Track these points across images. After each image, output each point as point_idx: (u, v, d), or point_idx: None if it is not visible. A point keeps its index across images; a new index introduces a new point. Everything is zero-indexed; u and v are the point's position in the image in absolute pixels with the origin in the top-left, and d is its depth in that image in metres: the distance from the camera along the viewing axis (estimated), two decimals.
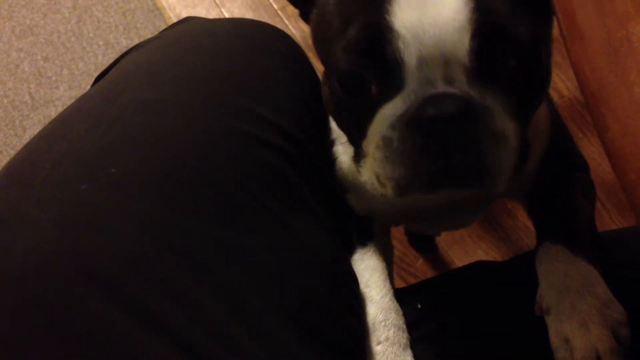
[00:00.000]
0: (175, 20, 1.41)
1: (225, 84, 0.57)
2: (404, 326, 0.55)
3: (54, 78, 1.46)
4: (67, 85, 1.46)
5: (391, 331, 0.54)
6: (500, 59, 0.42)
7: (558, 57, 1.46)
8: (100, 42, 1.51)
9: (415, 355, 0.54)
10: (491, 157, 0.42)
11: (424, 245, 1.22)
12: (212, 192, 0.50)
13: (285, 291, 0.49)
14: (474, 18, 0.40)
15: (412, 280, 1.20)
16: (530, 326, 0.50)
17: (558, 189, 0.58)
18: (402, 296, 0.60)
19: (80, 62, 1.48)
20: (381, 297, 0.56)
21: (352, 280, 0.58)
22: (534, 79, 0.45)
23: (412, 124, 0.41)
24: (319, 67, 0.65)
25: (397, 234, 1.22)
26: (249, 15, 1.53)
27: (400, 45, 0.41)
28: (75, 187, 0.47)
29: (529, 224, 1.19)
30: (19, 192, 0.48)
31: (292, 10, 1.57)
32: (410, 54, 0.41)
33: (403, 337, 0.54)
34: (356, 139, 0.49)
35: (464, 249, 1.22)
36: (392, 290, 0.58)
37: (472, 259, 1.19)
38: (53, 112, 1.42)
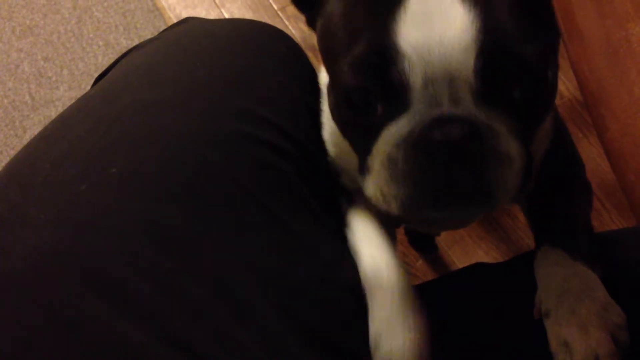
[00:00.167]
0: (175, 20, 1.41)
1: (225, 85, 0.57)
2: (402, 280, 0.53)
3: (54, 78, 1.46)
4: (67, 86, 1.46)
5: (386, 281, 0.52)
6: (507, 79, 0.41)
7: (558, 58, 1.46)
8: (101, 43, 1.51)
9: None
10: (495, 178, 0.42)
11: (424, 245, 1.22)
12: (212, 192, 0.50)
13: (285, 292, 0.49)
14: (480, 38, 0.39)
15: (413, 281, 1.19)
16: (528, 329, 0.50)
17: (557, 191, 0.58)
18: None
19: (80, 63, 1.48)
20: (372, 251, 0.55)
21: (354, 280, 0.58)
22: (540, 99, 0.44)
23: (417, 145, 0.41)
24: (319, 68, 0.65)
25: (397, 234, 1.22)
26: (248, 15, 1.53)
27: (406, 65, 0.40)
28: (75, 188, 0.47)
29: None
30: (19, 192, 0.48)
31: (292, 10, 1.57)
32: (416, 74, 0.41)
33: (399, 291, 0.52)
34: (361, 152, 0.49)
35: (464, 249, 1.22)
36: (389, 246, 0.57)
37: (473, 259, 1.19)
38: (53, 113, 1.42)
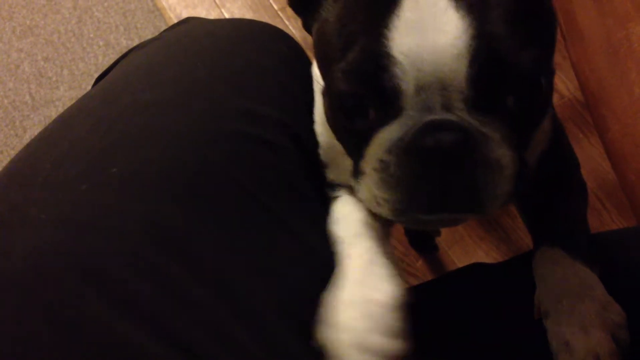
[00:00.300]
0: (175, 20, 1.41)
1: (225, 85, 0.57)
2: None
3: (54, 78, 1.46)
4: (67, 86, 1.46)
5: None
6: (500, 87, 0.41)
7: (558, 58, 1.46)
8: (101, 43, 1.51)
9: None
10: (485, 185, 0.42)
11: (424, 245, 1.22)
12: (213, 192, 0.50)
13: (285, 292, 0.49)
14: (473, 45, 0.39)
15: (413, 280, 1.20)
16: (527, 329, 0.50)
17: (553, 191, 0.58)
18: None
19: (80, 63, 1.48)
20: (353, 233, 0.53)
21: None
22: (535, 106, 0.44)
23: (409, 150, 0.42)
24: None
25: (397, 234, 1.22)
26: (249, 15, 1.53)
27: (398, 72, 0.40)
28: (75, 188, 0.47)
29: None
30: (19, 192, 0.48)
31: (292, 11, 1.57)
32: (408, 81, 0.41)
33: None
34: (354, 156, 0.49)
35: (464, 249, 1.22)
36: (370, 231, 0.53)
37: (473, 260, 1.19)
38: (53, 113, 1.42)
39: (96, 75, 0.64)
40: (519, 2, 0.42)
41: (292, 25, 1.51)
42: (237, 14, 1.53)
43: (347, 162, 0.51)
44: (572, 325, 0.44)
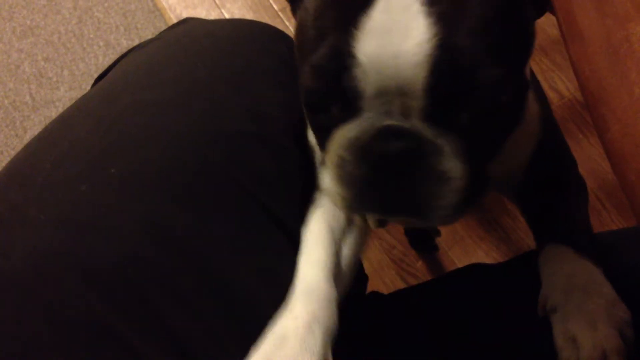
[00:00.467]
0: (175, 21, 1.41)
1: (226, 85, 0.57)
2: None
3: (54, 79, 1.46)
4: (67, 86, 1.46)
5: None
6: (456, 102, 0.41)
7: (558, 58, 1.46)
8: (101, 43, 1.51)
9: (411, 355, 0.54)
10: (427, 195, 0.42)
11: (424, 245, 1.22)
12: (213, 193, 0.50)
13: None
14: (434, 55, 0.38)
15: (413, 281, 1.20)
16: (526, 329, 0.50)
17: (552, 189, 0.58)
18: (396, 298, 0.60)
19: (80, 63, 1.48)
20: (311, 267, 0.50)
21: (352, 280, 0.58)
22: (492, 125, 0.44)
23: (362, 152, 0.42)
24: None
25: (397, 234, 1.22)
26: (249, 16, 1.53)
27: (360, 74, 0.40)
28: (75, 188, 0.47)
29: None
30: (19, 192, 0.48)
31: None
32: (368, 83, 0.40)
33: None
34: (321, 148, 0.49)
35: (465, 249, 1.22)
36: (330, 261, 0.51)
37: (473, 260, 1.19)
38: (54, 113, 1.42)
39: (96, 76, 0.64)
40: (495, 16, 0.41)
41: (292, 26, 1.51)
42: (237, 15, 1.53)
43: None
44: (579, 321, 0.44)
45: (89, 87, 0.63)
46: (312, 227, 0.53)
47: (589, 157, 1.27)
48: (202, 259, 0.48)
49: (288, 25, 1.51)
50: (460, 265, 1.20)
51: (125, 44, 1.51)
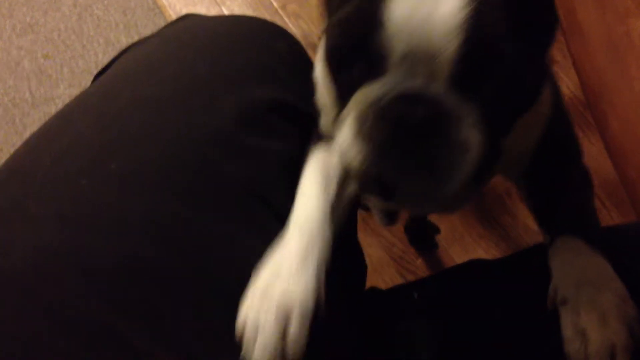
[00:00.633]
0: (175, 18, 1.41)
1: (225, 82, 0.57)
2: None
3: (54, 76, 1.46)
4: (67, 83, 1.45)
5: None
6: (481, 71, 0.41)
7: (559, 56, 1.46)
8: (101, 40, 1.51)
9: (410, 351, 0.54)
10: (444, 163, 0.42)
11: (424, 243, 1.22)
12: (213, 190, 0.50)
13: None
14: (465, 26, 0.39)
15: (412, 278, 1.20)
16: (526, 325, 0.50)
17: (557, 179, 0.57)
18: (398, 290, 0.59)
19: (80, 60, 1.48)
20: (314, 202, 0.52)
21: (351, 280, 0.58)
22: (513, 99, 0.44)
23: (381, 114, 0.42)
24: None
25: (397, 233, 1.22)
26: (248, 13, 1.52)
27: (389, 35, 0.41)
28: (75, 183, 0.47)
29: (529, 222, 1.19)
30: (19, 188, 0.48)
31: (292, 8, 1.56)
32: (396, 45, 0.41)
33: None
34: (338, 104, 0.49)
35: (464, 247, 1.22)
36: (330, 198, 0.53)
37: (472, 258, 1.19)
38: (53, 110, 1.41)
39: (96, 73, 0.64)
40: None
41: (291, 23, 1.51)
42: (237, 12, 1.53)
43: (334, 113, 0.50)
44: (590, 315, 0.44)
45: (88, 85, 0.62)
46: (309, 169, 0.54)
47: (589, 156, 1.26)
48: (203, 258, 0.47)
49: (287, 22, 1.51)
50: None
51: (125, 42, 1.50)
